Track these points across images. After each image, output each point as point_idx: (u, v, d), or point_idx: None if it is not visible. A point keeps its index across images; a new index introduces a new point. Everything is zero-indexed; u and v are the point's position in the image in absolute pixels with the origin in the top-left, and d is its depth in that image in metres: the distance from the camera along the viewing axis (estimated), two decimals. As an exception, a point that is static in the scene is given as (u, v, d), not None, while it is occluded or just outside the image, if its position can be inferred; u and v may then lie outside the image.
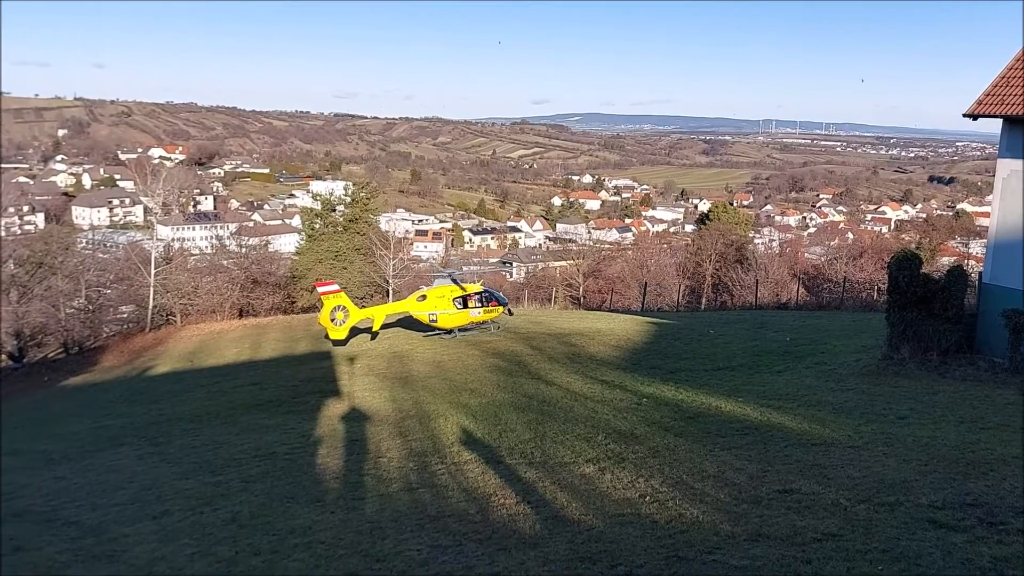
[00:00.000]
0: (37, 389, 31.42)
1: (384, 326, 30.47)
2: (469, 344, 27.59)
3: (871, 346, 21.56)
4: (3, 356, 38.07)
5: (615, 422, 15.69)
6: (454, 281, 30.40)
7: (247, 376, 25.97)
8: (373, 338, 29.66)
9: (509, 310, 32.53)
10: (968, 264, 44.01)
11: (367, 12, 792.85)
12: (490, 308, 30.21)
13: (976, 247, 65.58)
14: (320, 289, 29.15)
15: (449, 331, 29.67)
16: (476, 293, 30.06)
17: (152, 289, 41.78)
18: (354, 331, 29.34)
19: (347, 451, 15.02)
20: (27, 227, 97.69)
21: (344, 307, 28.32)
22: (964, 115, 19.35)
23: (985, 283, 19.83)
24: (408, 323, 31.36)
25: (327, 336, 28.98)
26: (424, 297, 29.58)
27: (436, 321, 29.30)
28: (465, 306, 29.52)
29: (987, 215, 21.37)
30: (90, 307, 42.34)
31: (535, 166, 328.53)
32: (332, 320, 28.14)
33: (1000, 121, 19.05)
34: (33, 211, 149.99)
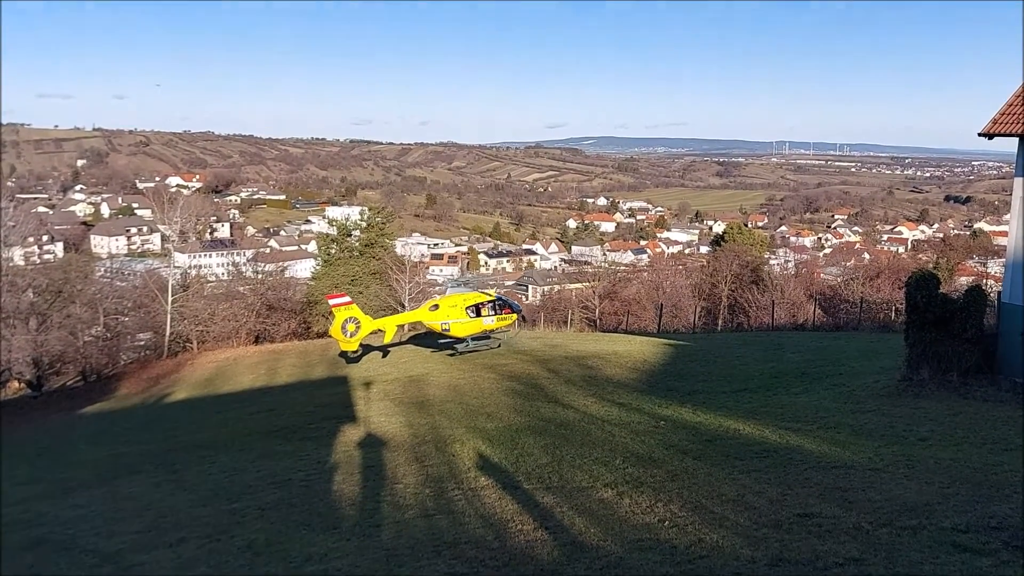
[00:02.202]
0: (55, 417, 31.62)
1: (395, 343, 30.27)
2: (485, 367, 27.53)
3: (890, 367, 21.33)
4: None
5: (633, 445, 15.58)
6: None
7: (263, 402, 26.00)
8: (385, 355, 29.51)
9: (523, 316, 32.25)
10: (987, 284, 43.66)
11: (382, 39, 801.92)
12: (503, 316, 30.02)
13: (994, 266, 65.12)
14: (332, 301, 28.95)
15: (460, 340, 29.42)
16: (489, 301, 29.86)
17: (169, 316, 42.13)
18: (366, 349, 29.17)
19: (363, 477, 14.96)
20: (46, 256, 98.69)
21: (356, 318, 28.09)
22: (980, 134, 19.21)
23: (1004, 303, 19.60)
24: (421, 341, 31.27)
25: (341, 354, 28.90)
26: (437, 307, 29.41)
27: (449, 330, 29.05)
28: (478, 314, 29.31)
29: (1005, 234, 21.20)
30: (108, 335, 42.66)
31: (550, 189, 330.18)
32: (344, 331, 28.05)
33: (1016, 140, 18.92)
34: (52, 240, 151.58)
